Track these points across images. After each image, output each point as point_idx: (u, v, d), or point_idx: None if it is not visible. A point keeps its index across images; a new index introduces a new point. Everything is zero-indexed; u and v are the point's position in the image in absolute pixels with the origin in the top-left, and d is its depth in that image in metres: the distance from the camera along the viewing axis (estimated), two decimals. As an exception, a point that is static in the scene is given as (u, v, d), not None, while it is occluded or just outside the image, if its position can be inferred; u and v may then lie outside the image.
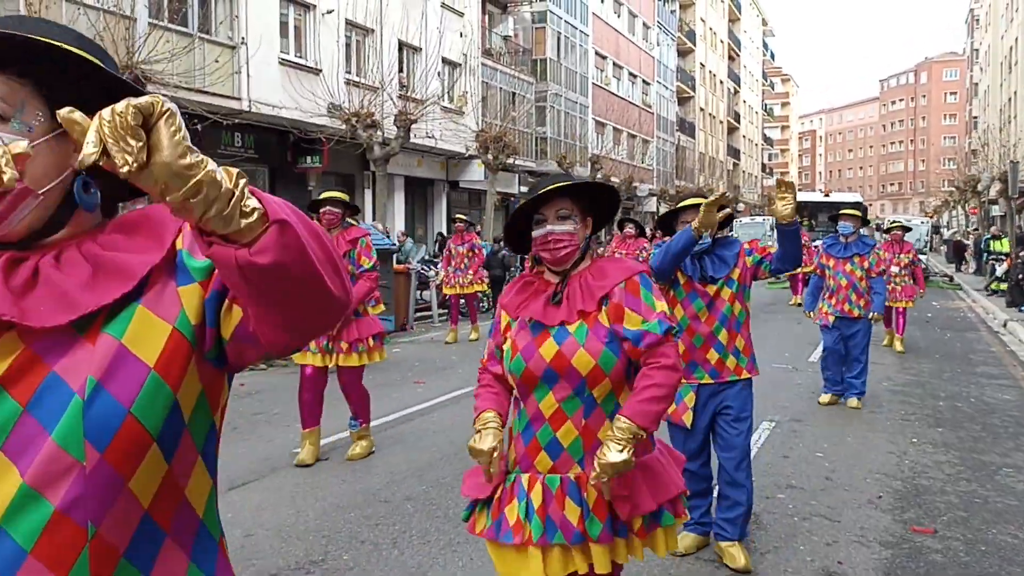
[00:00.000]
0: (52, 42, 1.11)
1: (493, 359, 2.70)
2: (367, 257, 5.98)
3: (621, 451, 2.32)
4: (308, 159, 20.97)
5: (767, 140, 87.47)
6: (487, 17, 30.24)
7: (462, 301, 13.65)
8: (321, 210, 6.01)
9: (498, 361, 2.66)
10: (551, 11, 33.48)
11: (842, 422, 7.83)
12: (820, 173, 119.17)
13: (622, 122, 40.17)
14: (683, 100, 53.75)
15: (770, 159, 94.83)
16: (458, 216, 13.78)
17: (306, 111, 18.79)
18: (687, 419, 4.28)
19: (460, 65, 26.07)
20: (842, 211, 8.52)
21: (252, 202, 0.99)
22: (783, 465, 6.40)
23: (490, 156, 24.02)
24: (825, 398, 8.49)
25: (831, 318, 8.36)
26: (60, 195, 1.15)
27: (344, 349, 6.02)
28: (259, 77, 18.36)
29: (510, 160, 24.92)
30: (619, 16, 41.95)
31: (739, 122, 69.27)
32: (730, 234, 4.73)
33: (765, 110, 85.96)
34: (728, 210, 4.15)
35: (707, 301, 4.28)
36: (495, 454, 2.46)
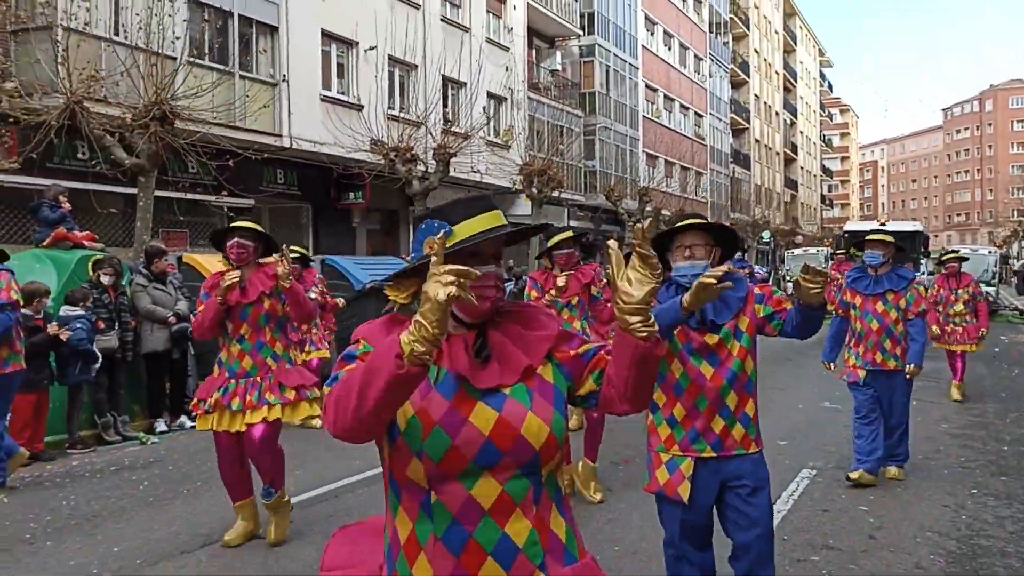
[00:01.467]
0: None
1: None
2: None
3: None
4: (351, 195, 20.85)
5: (826, 171, 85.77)
6: (534, 51, 30.06)
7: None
8: (228, 243, 5.05)
9: None
10: (599, 44, 33.19)
11: (893, 470, 7.11)
12: (883, 204, 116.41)
13: (674, 154, 39.53)
14: (737, 132, 52.91)
15: (830, 190, 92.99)
16: None
17: (346, 147, 18.66)
18: (683, 492, 3.45)
19: (505, 99, 25.86)
20: (869, 236, 6.70)
21: None
22: (821, 521, 5.74)
23: (535, 190, 23.65)
24: (855, 475, 6.55)
25: (861, 372, 6.59)
26: None
27: (269, 400, 5.02)
28: (300, 113, 18.33)
29: (555, 193, 24.51)
30: (669, 49, 41.51)
31: (796, 153, 68.01)
32: (739, 268, 4.04)
33: (823, 141, 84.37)
34: (727, 282, 3.09)
35: (708, 355, 3.48)
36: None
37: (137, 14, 12.62)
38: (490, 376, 1.87)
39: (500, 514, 1.82)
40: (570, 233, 6.59)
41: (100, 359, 8.46)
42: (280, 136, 17.88)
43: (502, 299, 1.96)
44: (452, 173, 20.04)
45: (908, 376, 6.58)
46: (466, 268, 1.63)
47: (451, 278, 1.59)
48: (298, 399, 5.15)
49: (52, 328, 7.72)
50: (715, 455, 3.47)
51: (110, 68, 12.73)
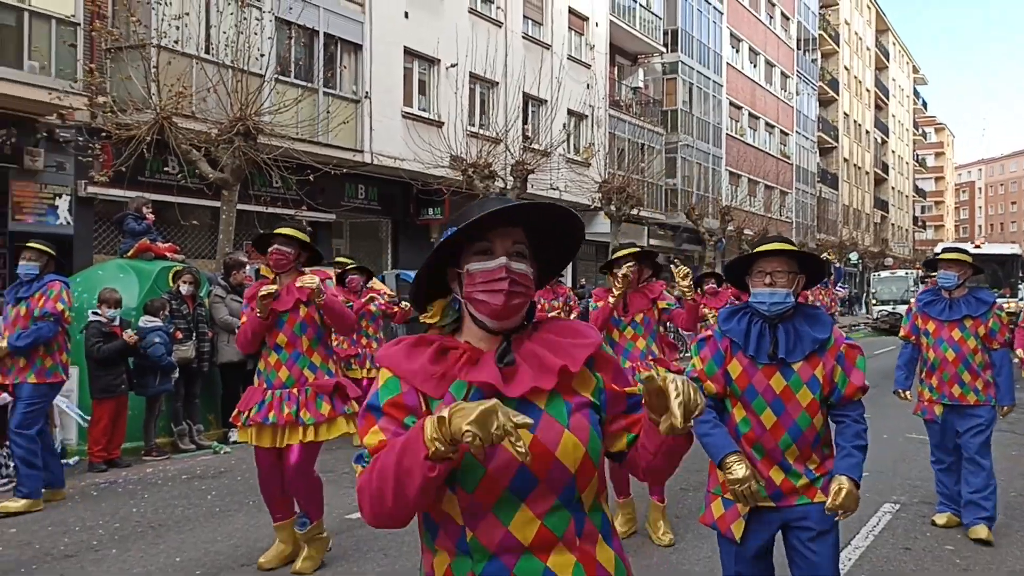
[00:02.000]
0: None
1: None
2: (342, 296, 5.02)
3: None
4: (430, 211, 21.05)
5: (919, 192, 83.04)
6: (616, 69, 29.93)
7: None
8: (268, 250, 4.86)
9: None
10: (683, 62, 32.87)
11: (983, 508, 6.68)
12: (979, 227, 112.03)
13: (758, 173, 38.80)
14: (825, 151, 51.65)
15: (923, 212, 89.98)
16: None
17: (425, 163, 18.83)
18: (736, 530, 3.18)
19: (586, 116, 25.76)
20: (942, 255, 5.93)
21: None
22: (902, 560, 5.42)
23: (613, 207, 23.44)
24: (941, 519, 6.14)
25: (937, 408, 5.88)
26: None
27: (304, 419, 4.75)
28: (381, 129, 18.59)
29: (634, 211, 24.24)
30: (755, 66, 40.84)
31: (887, 173, 66.03)
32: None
33: (917, 161, 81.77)
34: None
35: (772, 400, 3.12)
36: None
37: (224, 32, 12.96)
38: (521, 381, 1.75)
39: (541, 550, 1.71)
40: (633, 249, 5.97)
41: (177, 369, 8.64)
42: (361, 152, 18.17)
43: (527, 296, 1.82)
44: (530, 190, 20.02)
45: (1002, 415, 5.90)
46: (515, 423, 1.53)
47: (475, 428, 1.49)
48: (333, 415, 4.86)
49: (128, 336, 7.92)
50: (774, 505, 3.18)
51: (198, 85, 13.10)
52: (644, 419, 1.77)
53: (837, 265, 41.80)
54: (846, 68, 55.24)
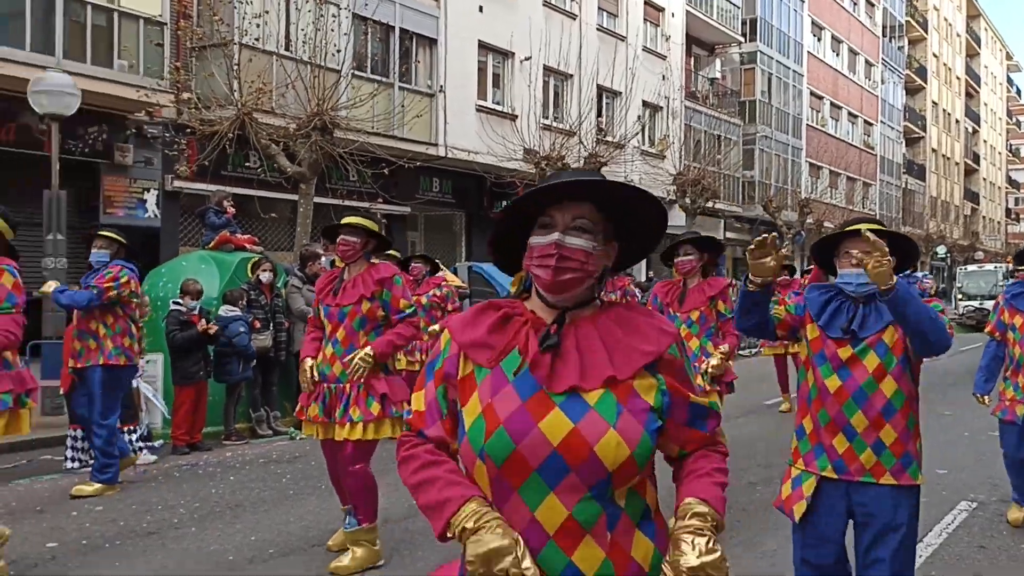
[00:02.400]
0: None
1: (433, 416, 1.80)
2: (405, 299, 4.84)
3: (709, 544, 1.61)
4: (503, 204, 21.09)
5: (1012, 183, 79.76)
6: (692, 59, 29.57)
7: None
8: (337, 239, 4.79)
9: (441, 421, 1.80)
10: (761, 51, 32.27)
11: (1066, 509, 6.45)
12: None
13: (839, 164, 37.82)
14: (912, 141, 50.07)
15: (1016, 203, 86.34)
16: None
17: (499, 156, 18.94)
18: (797, 511, 3.15)
19: (661, 108, 25.54)
20: None
21: None
22: (976, 558, 5.28)
23: (688, 200, 23.20)
24: (1018, 515, 5.84)
25: (1020, 408, 5.42)
26: None
27: (352, 416, 4.65)
28: (456, 123, 18.77)
29: (710, 204, 23.94)
30: (837, 54, 39.82)
31: (978, 164, 63.64)
32: (917, 281, 3.51)
33: (1010, 150, 78.56)
34: (783, 258, 3.05)
35: (838, 367, 3.11)
36: (521, 547, 1.59)
37: (303, 29, 13.27)
38: (567, 375, 1.71)
39: (566, 540, 1.64)
40: (694, 235, 5.74)
41: (255, 357, 8.94)
42: (436, 145, 18.37)
43: (582, 272, 1.75)
44: (604, 182, 19.94)
45: None
46: (522, 572, 1.58)
47: (479, 563, 1.57)
48: (383, 415, 4.69)
49: (202, 326, 8.25)
50: (836, 476, 3.13)
51: (278, 81, 13.45)
52: (680, 498, 1.79)
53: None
54: (935, 55, 53.40)
